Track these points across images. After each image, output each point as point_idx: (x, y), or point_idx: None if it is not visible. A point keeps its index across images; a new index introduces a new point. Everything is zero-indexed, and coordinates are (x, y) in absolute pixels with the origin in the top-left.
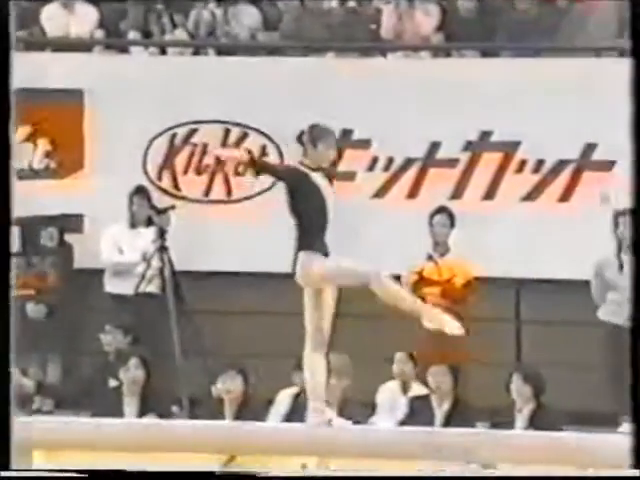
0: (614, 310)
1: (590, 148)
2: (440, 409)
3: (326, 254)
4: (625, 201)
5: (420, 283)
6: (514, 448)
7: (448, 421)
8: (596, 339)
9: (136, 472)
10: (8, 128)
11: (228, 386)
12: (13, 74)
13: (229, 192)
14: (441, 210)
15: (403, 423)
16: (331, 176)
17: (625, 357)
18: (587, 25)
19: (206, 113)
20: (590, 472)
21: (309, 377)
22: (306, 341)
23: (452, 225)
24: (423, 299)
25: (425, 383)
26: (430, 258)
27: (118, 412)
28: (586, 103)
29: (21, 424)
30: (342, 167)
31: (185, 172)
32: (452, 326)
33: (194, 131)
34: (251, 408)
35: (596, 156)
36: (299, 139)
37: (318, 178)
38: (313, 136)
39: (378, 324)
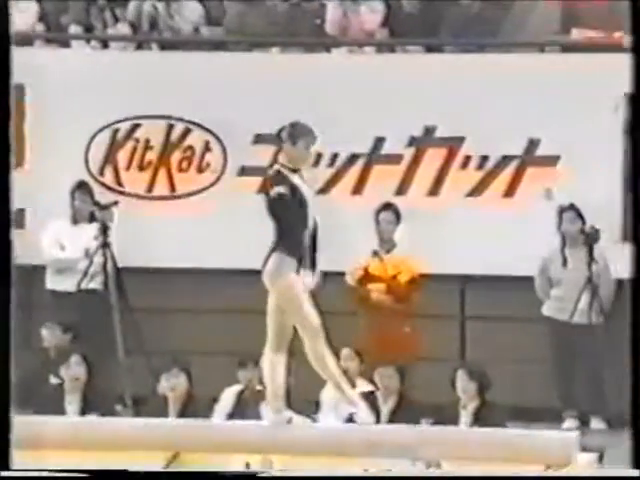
0: (558, 306)
1: (534, 144)
2: (385, 406)
3: (300, 260)
4: (568, 196)
5: (365, 279)
6: (458, 445)
7: (393, 418)
8: (540, 335)
9: (136, 472)
10: (8, 125)
11: (172, 384)
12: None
13: (172, 188)
14: (387, 206)
15: (348, 421)
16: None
17: (568, 353)
18: (530, 21)
19: (149, 108)
20: (541, 470)
21: (269, 377)
22: (268, 341)
23: (398, 221)
24: (368, 295)
25: (370, 380)
26: (375, 254)
27: (60, 410)
28: (530, 98)
29: None
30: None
31: (128, 168)
32: (362, 415)
33: (137, 126)
34: (195, 406)
35: (540, 152)
36: (278, 135)
37: (299, 181)
38: (293, 133)
39: (326, 320)
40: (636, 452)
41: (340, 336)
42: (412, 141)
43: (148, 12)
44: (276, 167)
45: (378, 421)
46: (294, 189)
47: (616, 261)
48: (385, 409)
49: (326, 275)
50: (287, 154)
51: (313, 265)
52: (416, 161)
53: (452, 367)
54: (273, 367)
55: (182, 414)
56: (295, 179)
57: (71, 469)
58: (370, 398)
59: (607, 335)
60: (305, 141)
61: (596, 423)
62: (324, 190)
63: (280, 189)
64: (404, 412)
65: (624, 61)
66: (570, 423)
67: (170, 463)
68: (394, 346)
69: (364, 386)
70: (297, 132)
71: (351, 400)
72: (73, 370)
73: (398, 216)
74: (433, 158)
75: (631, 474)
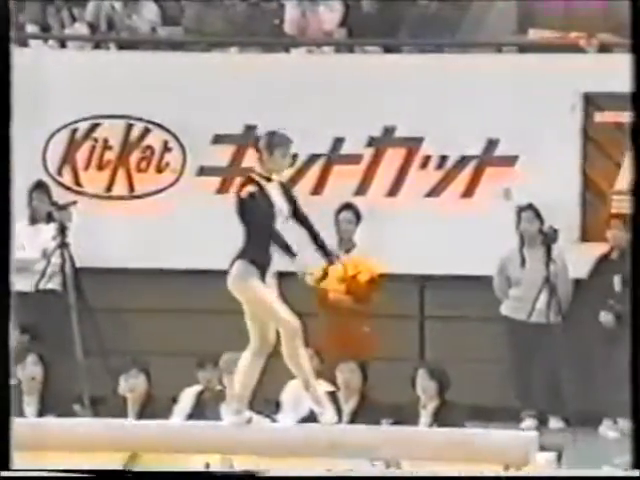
0: (516, 306)
1: (492, 144)
2: (347, 406)
3: (264, 268)
4: (527, 196)
5: (324, 279)
6: (418, 445)
7: (354, 418)
8: (499, 335)
9: (136, 472)
10: (8, 126)
11: (131, 384)
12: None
13: (131, 188)
14: (347, 207)
15: (308, 421)
16: (286, 189)
17: (527, 352)
18: (487, 21)
19: (108, 108)
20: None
21: (241, 378)
22: (250, 343)
23: (357, 222)
24: (327, 295)
25: (330, 380)
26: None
27: (17, 410)
28: (488, 99)
29: None
30: (245, 164)
31: (86, 167)
32: (328, 415)
33: (96, 126)
34: (154, 406)
35: (498, 152)
36: (255, 144)
37: (272, 190)
38: (270, 143)
39: None
40: (636, 452)
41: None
42: (371, 141)
43: (106, 12)
44: (251, 175)
45: (340, 421)
46: (266, 197)
47: (574, 261)
48: (347, 409)
49: (285, 275)
50: (263, 163)
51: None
52: (375, 161)
53: (412, 367)
54: (250, 370)
55: (141, 415)
56: (269, 187)
57: (71, 469)
58: (332, 398)
59: (565, 334)
60: (281, 150)
61: (554, 422)
62: None
63: (250, 189)
64: (365, 412)
65: (581, 61)
66: (528, 422)
67: (129, 464)
68: (354, 346)
69: (325, 386)
70: (274, 141)
71: (318, 401)
72: (29, 370)
73: (358, 216)
74: (392, 158)
75: (631, 474)
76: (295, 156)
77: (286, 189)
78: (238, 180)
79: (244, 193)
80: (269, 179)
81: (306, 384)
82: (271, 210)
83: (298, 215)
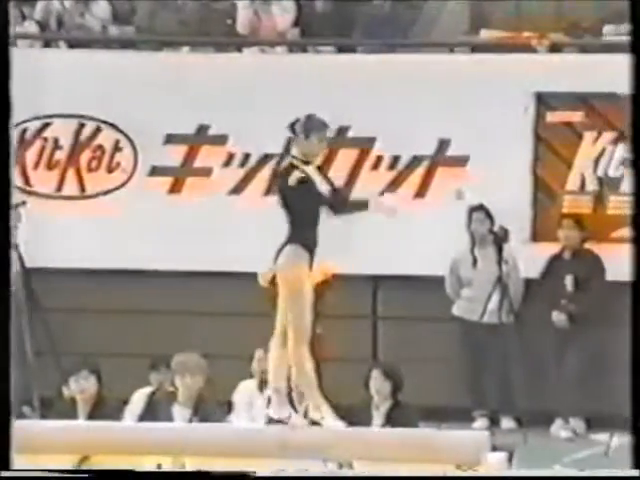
0: (468, 306)
1: (444, 144)
2: (300, 406)
3: (312, 252)
4: (478, 196)
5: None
6: (370, 445)
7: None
8: (451, 335)
9: (137, 472)
10: (8, 126)
11: (81, 386)
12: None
13: (82, 188)
14: None
15: (265, 419)
16: (324, 172)
17: (479, 352)
18: (440, 21)
19: (58, 107)
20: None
21: (273, 373)
22: (274, 337)
23: None
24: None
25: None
26: None
27: None
28: (440, 99)
29: None
30: (198, 163)
31: (36, 167)
32: (329, 422)
33: (46, 125)
34: (105, 408)
35: (450, 152)
36: (291, 128)
37: (313, 173)
38: (307, 127)
39: (237, 321)
40: (636, 452)
41: (253, 338)
42: None
43: (56, 10)
44: (288, 159)
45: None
46: (310, 181)
47: (525, 261)
48: (300, 410)
49: (238, 276)
50: (300, 147)
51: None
52: (328, 161)
53: (365, 368)
54: (280, 364)
55: (92, 416)
56: (309, 171)
57: (71, 469)
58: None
59: (517, 335)
60: (318, 135)
61: (506, 422)
62: (236, 190)
63: (300, 175)
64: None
65: (533, 61)
66: (480, 422)
67: (79, 465)
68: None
69: None
70: (311, 125)
71: (319, 408)
72: None
73: None
74: (345, 158)
75: (631, 474)
76: (248, 156)
77: (324, 172)
78: (368, 176)
79: (293, 180)
80: (307, 162)
81: (308, 392)
82: (316, 194)
83: (336, 197)
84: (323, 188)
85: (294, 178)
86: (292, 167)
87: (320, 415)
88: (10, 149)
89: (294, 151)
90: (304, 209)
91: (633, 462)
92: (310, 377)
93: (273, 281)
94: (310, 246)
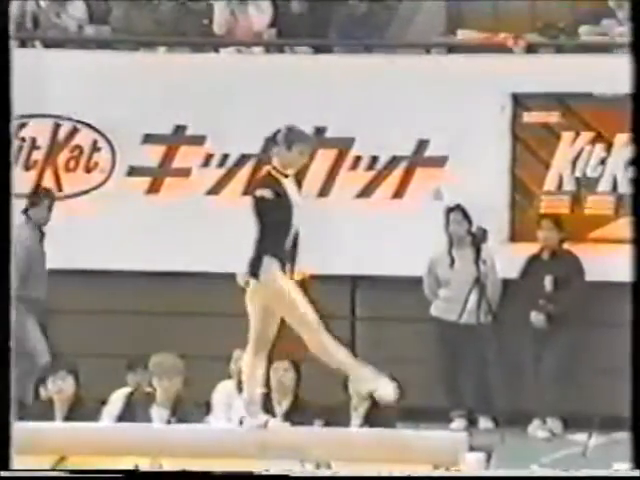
0: (446, 306)
1: (422, 144)
2: (280, 407)
3: (283, 262)
4: (456, 197)
5: None
6: (348, 446)
7: (287, 419)
8: (429, 335)
9: (137, 472)
10: (8, 126)
11: (59, 387)
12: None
13: (59, 188)
14: None
15: (239, 422)
16: (301, 185)
17: (457, 353)
18: (416, 22)
19: (35, 107)
20: (430, 469)
21: (248, 380)
22: (249, 344)
23: None
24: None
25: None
26: None
27: None
28: (417, 99)
29: None
30: (176, 163)
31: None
32: (386, 390)
33: (22, 125)
34: (83, 409)
35: (428, 152)
36: (273, 138)
37: (289, 185)
38: (289, 138)
39: (215, 322)
40: (636, 452)
41: (231, 338)
42: None
43: (31, 10)
44: (267, 169)
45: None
46: (282, 193)
47: (504, 261)
48: (279, 410)
49: (216, 276)
50: (280, 158)
51: (292, 269)
52: (306, 162)
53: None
54: (253, 370)
55: (69, 417)
56: (285, 183)
57: (72, 469)
58: (263, 400)
59: (495, 335)
60: (300, 146)
61: (484, 422)
62: (214, 191)
63: (263, 192)
64: (297, 413)
65: (509, 62)
66: (458, 423)
67: (56, 466)
68: (285, 347)
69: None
70: (293, 137)
71: (372, 379)
72: None
73: None
74: (323, 159)
75: (631, 474)
76: (226, 156)
77: (301, 184)
78: (346, 177)
79: (265, 192)
80: (286, 175)
81: (352, 370)
82: (289, 207)
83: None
84: (297, 199)
85: (258, 194)
86: (270, 177)
87: (376, 386)
88: (10, 149)
89: (274, 161)
90: (275, 221)
91: (633, 462)
92: (345, 359)
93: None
94: (281, 256)
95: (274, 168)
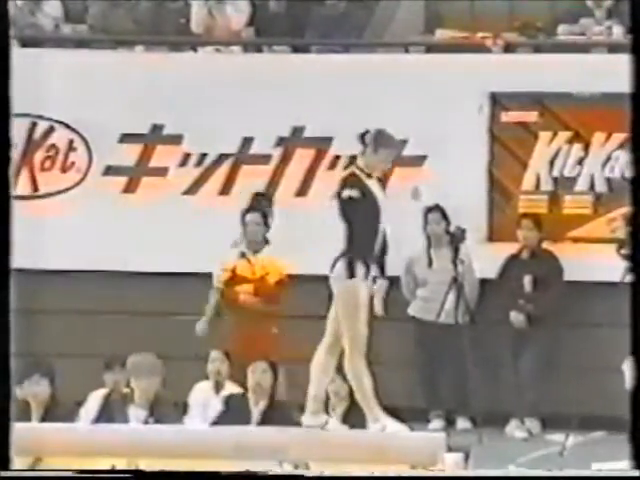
0: (423, 306)
1: (401, 144)
2: (257, 408)
3: (368, 266)
4: (434, 196)
5: (233, 280)
6: (326, 446)
7: (264, 420)
8: (407, 335)
9: (137, 472)
10: (8, 127)
11: (34, 390)
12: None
13: (35, 188)
14: (254, 207)
15: (217, 423)
16: (383, 186)
17: (435, 353)
18: (394, 21)
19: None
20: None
21: (316, 379)
22: (323, 343)
23: (265, 222)
24: (236, 297)
25: (239, 382)
26: (243, 255)
27: None
28: (396, 98)
29: None
30: (153, 163)
31: None
32: (392, 427)
33: None
34: (59, 410)
35: (406, 152)
36: (362, 138)
37: (374, 186)
38: (377, 141)
39: (191, 322)
40: (636, 452)
41: (208, 338)
42: (280, 141)
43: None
44: (352, 169)
45: (249, 423)
46: (368, 194)
47: (482, 261)
48: (256, 411)
49: (193, 276)
50: (366, 159)
51: (382, 272)
52: (284, 161)
53: None
54: (324, 371)
55: (45, 418)
56: (370, 184)
57: (72, 469)
58: (241, 400)
59: (473, 335)
60: (386, 151)
61: (462, 423)
62: (191, 191)
63: (352, 192)
64: (274, 414)
65: (487, 61)
66: (436, 423)
67: (33, 467)
68: (263, 348)
69: (232, 389)
70: (382, 141)
71: (377, 419)
72: None
73: (265, 217)
74: (301, 158)
75: (631, 474)
76: (204, 156)
77: (385, 186)
78: (341, 175)
79: (352, 192)
80: (369, 175)
81: (366, 405)
82: (375, 207)
83: None
84: (382, 201)
85: (345, 194)
86: (354, 177)
87: (381, 425)
88: (10, 149)
89: (359, 162)
90: (361, 222)
91: (633, 462)
92: (368, 391)
93: (227, 282)
94: (366, 259)
95: (359, 168)
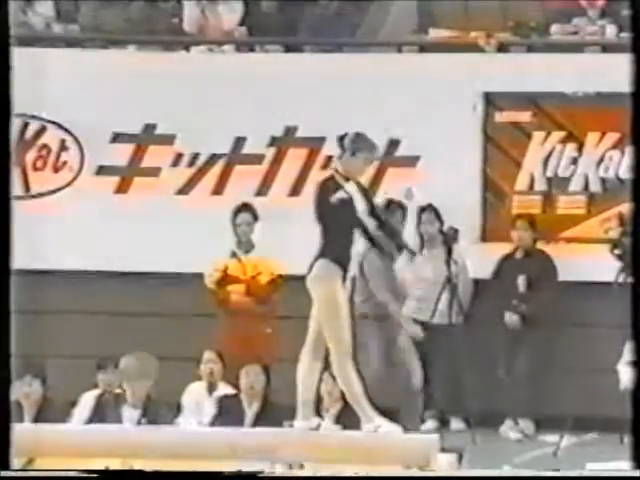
0: (416, 306)
1: (394, 144)
2: (250, 409)
3: (345, 268)
4: (427, 198)
5: (224, 281)
6: (320, 447)
7: (257, 421)
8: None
9: (138, 472)
10: (8, 127)
11: (26, 391)
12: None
13: (27, 187)
14: (244, 207)
15: (210, 424)
16: (364, 188)
17: (429, 353)
18: (387, 20)
19: None
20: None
21: (302, 383)
22: (305, 346)
23: (255, 222)
24: (228, 297)
25: (232, 383)
26: (234, 255)
27: None
28: (389, 98)
29: None
30: (146, 163)
31: None
32: (385, 428)
33: None
34: (52, 411)
35: (400, 152)
36: (340, 141)
37: (352, 189)
38: (355, 144)
39: (184, 322)
40: (636, 452)
41: (200, 338)
42: (273, 141)
43: None
44: (330, 172)
45: (242, 423)
46: (347, 197)
47: (476, 261)
48: (250, 412)
49: (185, 276)
50: (344, 163)
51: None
52: (277, 161)
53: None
54: (309, 373)
55: (38, 419)
56: (348, 187)
57: (71, 469)
58: (233, 401)
59: (468, 335)
60: (365, 154)
61: (455, 423)
62: (184, 191)
63: (341, 195)
64: (268, 415)
65: (481, 60)
66: (430, 424)
67: (25, 467)
68: (256, 348)
69: (225, 390)
70: (360, 144)
71: (371, 419)
72: None
73: (255, 217)
74: (294, 158)
75: (631, 474)
76: (196, 155)
77: (364, 188)
78: (317, 176)
79: (328, 195)
80: (348, 179)
81: (359, 406)
82: (353, 213)
83: (374, 215)
84: (361, 206)
85: (336, 198)
86: (332, 181)
87: (374, 426)
88: (10, 149)
89: (337, 165)
90: (339, 226)
91: (633, 462)
92: (359, 393)
93: (219, 282)
94: (342, 262)
95: (336, 172)
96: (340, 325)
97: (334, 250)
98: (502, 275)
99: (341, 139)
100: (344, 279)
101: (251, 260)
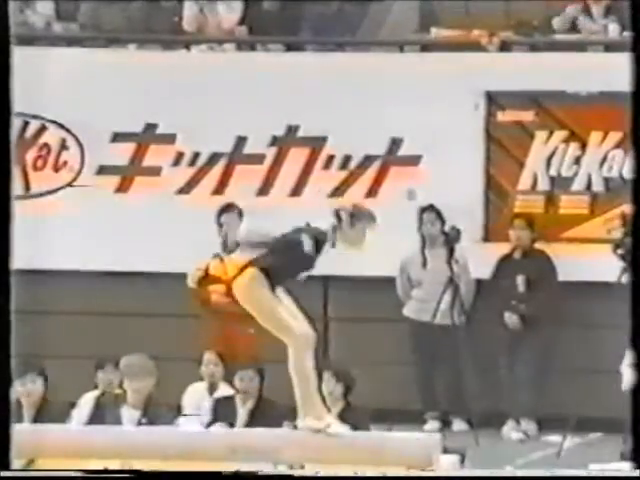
0: (419, 307)
1: (396, 143)
2: (244, 409)
3: (274, 277)
4: (429, 197)
5: (205, 280)
6: (321, 447)
7: (253, 421)
8: (402, 336)
9: (138, 472)
10: (9, 127)
11: (27, 389)
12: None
13: (27, 187)
14: (228, 207)
15: (210, 424)
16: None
17: (430, 354)
18: (389, 20)
19: None
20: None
21: (300, 381)
22: (289, 344)
23: (240, 222)
24: (208, 297)
25: (231, 383)
26: (216, 256)
27: None
28: (391, 98)
29: None
30: (146, 162)
31: None
32: (335, 428)
33: None
34: (52, 410)
35: (402, 151)
36: (336, 214)
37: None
38: (354, 216)
39: (186, 323)
40: (636, 452)
41: (202, 339)
42: (274, 141)
43: None
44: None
45: (235, 424)
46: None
47: (477, 261)
48: (244, 412)
49: (187, 276)
50: (342, 233)
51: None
52: (278, 161)
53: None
54: (304, 369)
55: (37, 419)
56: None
57: (71, 469)
58: (229, 402)
59: (468, 335)
60: (363, 225)
61: (458, 424)
62: (185, 190)
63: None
64: (264, 415)
65: (483, 60)
66: (432, 424)
67: (25, 468)
68: (240, 348)
69: (225, 390)
70: (358, 215)
71: (321, 417)
72: None
73: (241, 217)
74: (296, 158)
75: (631, 474)
76: (197, 155)
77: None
78: (318, 176)
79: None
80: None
81: (309, 403)
82: (308, 258)
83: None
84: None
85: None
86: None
87: (325, 424)
88: (10, 149)
89: (337, 237)
90: (290, 262)
91: (633, 462)
92: (313, 387)
93: (200, 282)
94: (271, 271)
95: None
96: (281, 324)
97: (264, 259)
98: (501, 275)
99: (337, 212)
100: (273, 288)
101: (233, 260)
